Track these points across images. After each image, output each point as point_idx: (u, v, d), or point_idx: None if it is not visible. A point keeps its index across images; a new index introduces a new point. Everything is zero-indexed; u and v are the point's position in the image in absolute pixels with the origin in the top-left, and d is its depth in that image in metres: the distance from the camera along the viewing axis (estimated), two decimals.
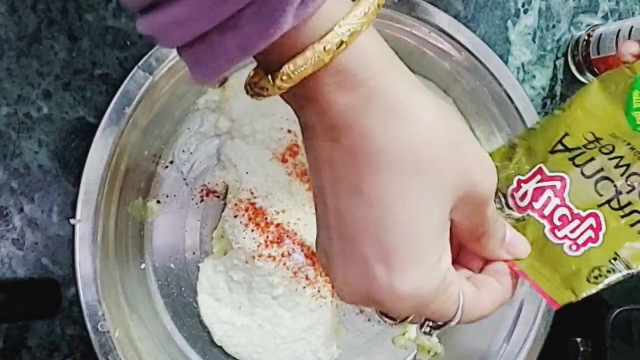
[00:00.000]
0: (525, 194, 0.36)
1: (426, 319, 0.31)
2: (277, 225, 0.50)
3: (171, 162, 0.53)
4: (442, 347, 0.57)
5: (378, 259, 0.28)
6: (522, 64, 0.59)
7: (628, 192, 0.34)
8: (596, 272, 0.33)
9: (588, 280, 0.33)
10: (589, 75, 0.58)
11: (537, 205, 0.35)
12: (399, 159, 0.27)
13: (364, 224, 0.28)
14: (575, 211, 0.34)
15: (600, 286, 0.33)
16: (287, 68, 0.26)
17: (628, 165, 0.35)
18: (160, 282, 0.53)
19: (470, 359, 0.54)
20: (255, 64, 0.28)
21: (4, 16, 0.49)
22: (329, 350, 0.53)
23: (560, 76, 0.60)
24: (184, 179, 0.53)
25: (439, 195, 0.28)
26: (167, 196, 0.53)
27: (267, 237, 0.50)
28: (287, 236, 0.51)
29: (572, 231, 0.34)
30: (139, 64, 0.46)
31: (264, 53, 0.26)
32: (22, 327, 0.49)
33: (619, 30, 0.53)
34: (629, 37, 0.52)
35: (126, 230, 0.50)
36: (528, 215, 0.35)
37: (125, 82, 0.45)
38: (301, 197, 0.52)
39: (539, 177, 0.36)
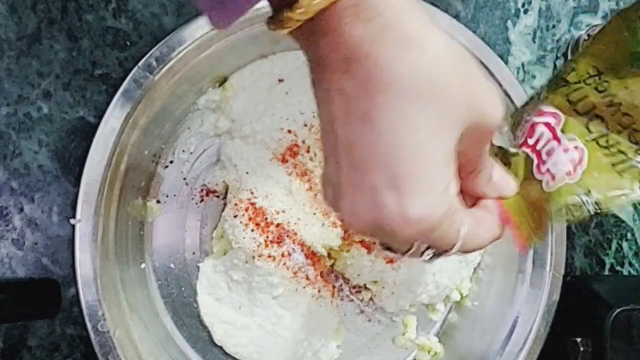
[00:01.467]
0: (523, 131, 0.36)
1: (427, 248, 0.31)
2: (277, 225, 0.50)
3: (171, 162, 0.53)
4: (442, 347, 0.57)
5: (388, 186, 0.28)
6: (522, 64, 0.59)
7: (618, 133, 0.34)
8: (563, 209, 0.34)
9: (552, 216, 0.34)
10: None
11: (531, 141, 0.35)
12: (411, 86, 0.27)
13: (374, 152, 0.28)
14: (563, 142, 0.34)
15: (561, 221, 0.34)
16: (303, 1, 0.26)
17: (619, 105, 0.34)
18: (160, 282, 0.52)
19: (470, 359, 0.54)
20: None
21: (4, 16, 0.49)
22: (329, 351, 0.53)
23: None
24: (184, 179, 0.53)
25: (450, 123, 0.28)
26: (167, 196, 0.53)
27: (267, 237, 0.50)
28: (287, 236, 0.50)
29: (555, 164, 0.34)
30: (139, 63, 0.46)
31: None
32: (22, 327, 0.49)
33: None
34: None
35: (126, 230, 0.50)
36: (523, 151, 0.35)
37: (125, 82, 0.45)
38: (301, 197, 0.52)
39: (536, 113, 0.36)
